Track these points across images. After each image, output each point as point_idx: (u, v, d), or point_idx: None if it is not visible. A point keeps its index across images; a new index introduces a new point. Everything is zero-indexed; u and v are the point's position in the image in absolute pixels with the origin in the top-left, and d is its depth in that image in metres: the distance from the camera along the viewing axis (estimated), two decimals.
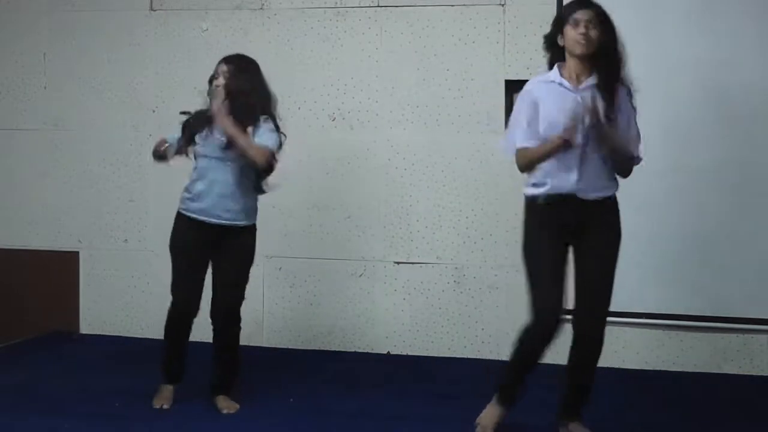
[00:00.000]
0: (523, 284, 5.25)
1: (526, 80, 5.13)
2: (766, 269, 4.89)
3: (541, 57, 5.11)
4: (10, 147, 5.96)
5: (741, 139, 4.91)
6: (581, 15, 3.68)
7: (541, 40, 5.07)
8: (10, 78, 5.93)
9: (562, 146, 3.58)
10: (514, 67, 5.20)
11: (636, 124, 3.75)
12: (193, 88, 5.62)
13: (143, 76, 5.74)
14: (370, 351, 5.46)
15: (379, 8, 5.40)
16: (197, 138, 4.24)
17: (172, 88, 5.69)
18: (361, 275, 5.48)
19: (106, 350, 5.55)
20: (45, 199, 5.92)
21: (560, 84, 3.74)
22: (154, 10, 5.71)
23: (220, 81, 4.20)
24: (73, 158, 5.88)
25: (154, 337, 5.72)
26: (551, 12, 5.10)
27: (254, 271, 5.50)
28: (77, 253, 5.89)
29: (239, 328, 4.41)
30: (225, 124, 4.07)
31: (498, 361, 5.26)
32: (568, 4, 3.79)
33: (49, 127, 5.89)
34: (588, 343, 3.82)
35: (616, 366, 5.10)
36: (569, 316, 3.84)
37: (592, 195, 3.71)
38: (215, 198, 4.22)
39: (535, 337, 3.79)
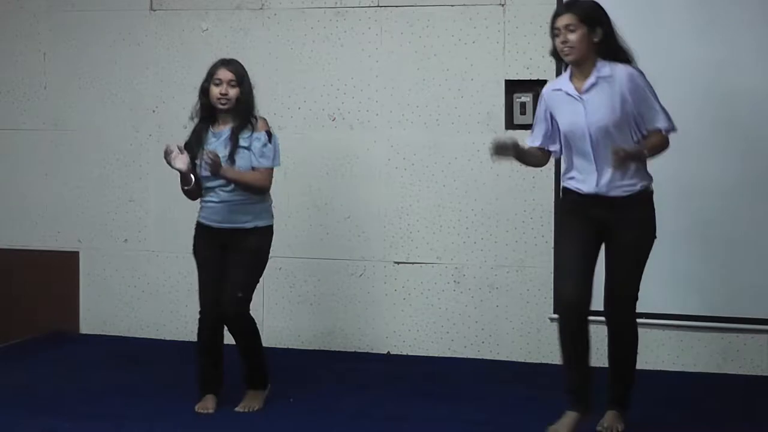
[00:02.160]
0: (521, 282, 5.27)
1: (527, 80, 5.18)
2: (766, 269, 4.89)
3: (541, 57, 5.14)
4: (10, 147, 5.96)
5: (741, 140, 4.91)
6: (558, 22, 3.75)
7: (541, 40, 5.10)
8: (10, 78, 5.93)
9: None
10: (514, 67, 5.20)
11: (652, 101, 3.81)
12: (193, 88, 5.63)
13: (143, 76, 5.74)
14: (370, 351, 5.46)
15: (379, 8, 5.40)
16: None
17: (172, 88, 5.69)
18: (361, 275, 5.47)
19: (106, 350, 5.55)
20: (45, 199, 5.92)
21: (567, 93, 3.82)
22: (154, 10, 5.72)
23: (226, 90, 4.21)
24: (73, 158, 5.87)
25: (154, 337, 5.75)
26: (551, 12, 5.09)
27: None
28: (77, 253, 5.89)
29: (250, 332, 4.36)
30: (218, 171, 4.12)
31: (498, 361, 5.28)
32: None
33: (49, 127, 5.89)
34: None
35: None
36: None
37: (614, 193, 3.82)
38: (220, 207, 4.27)
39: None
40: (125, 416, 4.26)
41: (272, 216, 4.36)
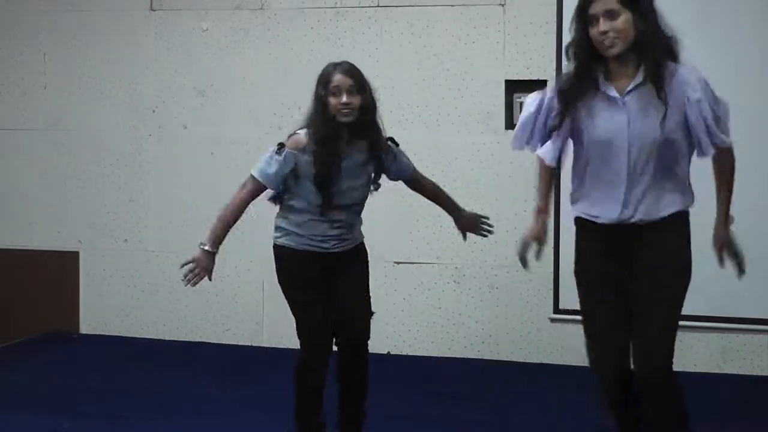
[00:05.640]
0: (521, 282, 5.27)
1: (527, 80, 5.17)
2: (766, 269, 4.89)
3: (541, 57, 5.15)
4: (10, 147, 5.96)
5: (740, 139, 4.90)
6: (595, 8, 2.98)
7: (541, 40, 5.08)
8: (10, 78, 5.93)
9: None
10: (514, 67, 5.20)
11: (712, 107, 3.03)
12: (192, 88, 5.65)
13: (143, 76, 5.74)
14: (370, 351, 5.44)
15: (379, 8, 5.40)
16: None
17: (172, 88, 5.69)
18: None
19: (106, 350, 5.55)
20: (45, 199, 5.92)
21: (605, 92, 3.03)
22: (154, 10, 5.71)
23: (346, 99, 3.44)
24: (73, 158, 5.87)
25: (154, 337, 5.75)
26: (551, 12, 5.10)
27: (254, 271, 5.53)
28: (77, 253, 5.89)
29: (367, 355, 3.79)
30: None
31: (498, 361, 5.28)
32: None
33: (49, 127, 5.89)
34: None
35: None
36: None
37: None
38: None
39: None
40: (125, 416, 4.26)
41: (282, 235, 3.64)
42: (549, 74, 4.98)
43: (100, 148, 5.83)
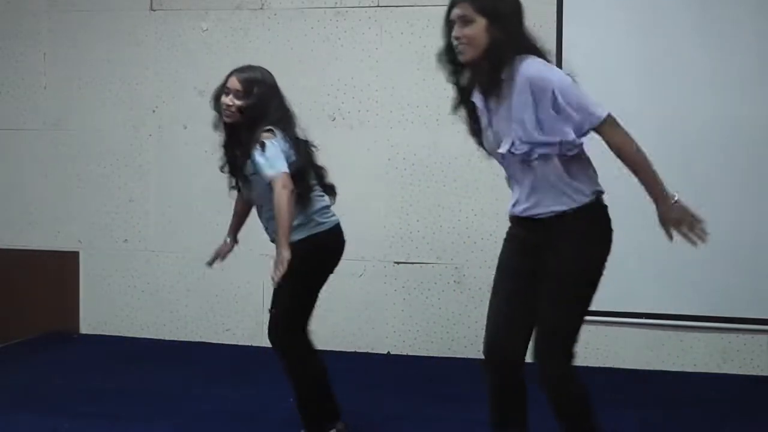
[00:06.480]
0: None
1: None
2: (765, 269, 4.89)
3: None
4: (10, 147, 5.96)
5: (741, 139, 4.91)
6: (453, 13, 3.05)
7: (540, 40, 5.04)
8: (10, 78, 5.93)
9: None
10: None
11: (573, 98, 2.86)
12: (192, 88, 5.65)
13: (143, 76, 5.74)
14: (370, 351, 5.46)
15: (379, 8, 5.40)
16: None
17: (172, 88, 5.69)
18: (361, 275, 5.47)
19: (106, 350, 5.55)
20: (45, 199, 5.92)
21: (474, 100, 3.09)
22: (154, 10, 5.71)
23: (226, 100, 3.76)
24: (73, 158, 5.87)
25: (154, 337, 5.75)
26: (551, 12, 5.10)
27: (254, 271, 5.53)
28: (77, 253, 5.89)
29: (287, 356, 3.81)
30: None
31: None
32: None
33: (49, 127, 5.89)
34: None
35: (616, 366, 5.10)
36: None
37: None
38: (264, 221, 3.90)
39: None
40: (124, 416, 4.26)
41: (315, 226, 3.86)
42: None
43: (100, 148, 5.83)
